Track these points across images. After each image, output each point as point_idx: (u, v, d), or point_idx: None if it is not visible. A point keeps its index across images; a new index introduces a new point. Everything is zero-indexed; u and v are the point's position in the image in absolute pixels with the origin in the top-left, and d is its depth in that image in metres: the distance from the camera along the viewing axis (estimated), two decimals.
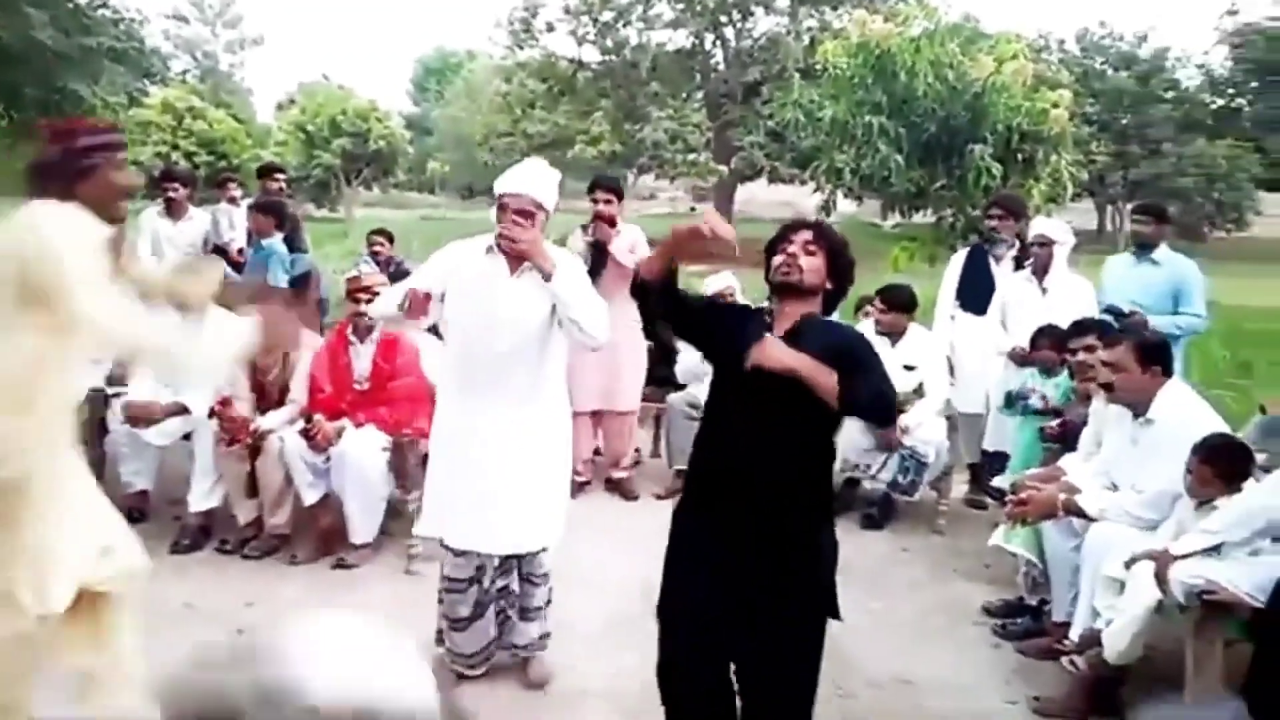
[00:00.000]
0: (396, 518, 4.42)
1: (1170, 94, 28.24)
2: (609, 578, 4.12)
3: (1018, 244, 5.18)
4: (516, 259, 3.04)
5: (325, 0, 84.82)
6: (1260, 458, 3.41)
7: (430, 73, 48.97)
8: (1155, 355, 3.40)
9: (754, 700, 2.38)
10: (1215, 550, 2.92)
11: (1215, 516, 2.95)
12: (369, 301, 4.24)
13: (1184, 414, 3.35)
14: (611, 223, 5.07)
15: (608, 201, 5.09)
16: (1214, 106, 29.00)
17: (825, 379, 2.13)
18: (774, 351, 2.14)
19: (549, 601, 3.32)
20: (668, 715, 2.50)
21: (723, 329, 2.42)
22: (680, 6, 24.88)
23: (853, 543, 4.33)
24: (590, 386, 4.98)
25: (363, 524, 4.24)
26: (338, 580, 4.12)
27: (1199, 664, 2.94)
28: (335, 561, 4.24)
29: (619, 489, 5.35)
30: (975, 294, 5.18)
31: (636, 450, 5.75)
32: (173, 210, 6.49)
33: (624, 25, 25.56)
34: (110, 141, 2.44)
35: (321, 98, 31.25)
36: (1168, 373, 3.43)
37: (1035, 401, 4.44)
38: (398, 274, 6.39)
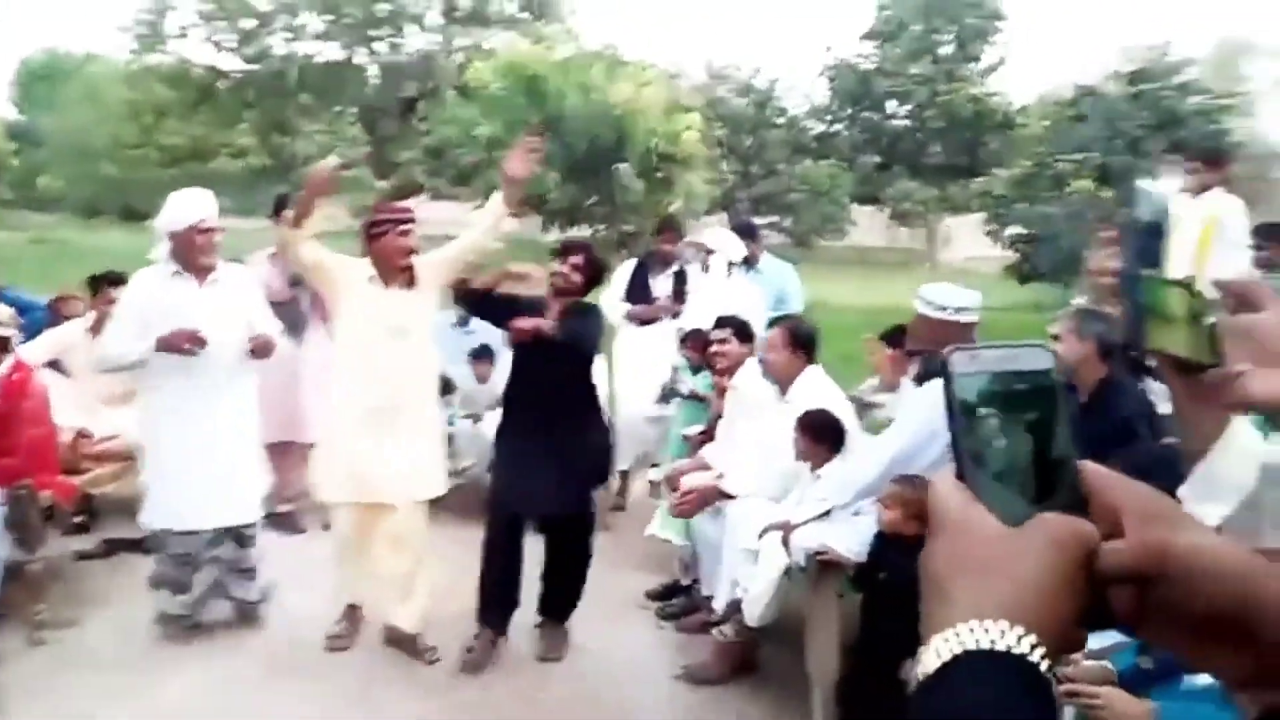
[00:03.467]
0: (17, 582, 3.90)
1: (781, 120, 31.84)
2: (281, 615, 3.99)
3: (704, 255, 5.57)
4: (203, 273, 3.72)
5: None
6: None
7: (38, 77, 42.80)
8: (801, 341, 3.81)
9: (555, 533, 3.83)
10: (826, 515, 3.40)
11: (820, 485, 3.44)
12: None
13: (817, 396, 3.73)
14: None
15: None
16: (816, 131, 33.14)
17: (549, 327, 3.50)
18: (520, 325, 3.50)
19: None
20: (487, 565, 3.75)
21: (519, 314, 3.58)
22: (329, 19, 23.98)
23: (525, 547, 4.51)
24: (271, 418, 4.74)
25: None
26: None
27: (817, 617, 3.38)
28: None
29: (284, 524, 5.11)
30: (637, 304, 5.66)
31: None
32: None
33: (267, 34, 24.14)
34: None
35: None
36: (810, 360, 3.83)
37: (683, 389, 4.88)
38: (19, 307, 5.61)
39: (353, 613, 3.91)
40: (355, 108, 25.96)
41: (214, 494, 3.74)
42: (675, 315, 5.53)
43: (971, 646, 0.47)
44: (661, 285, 5.69)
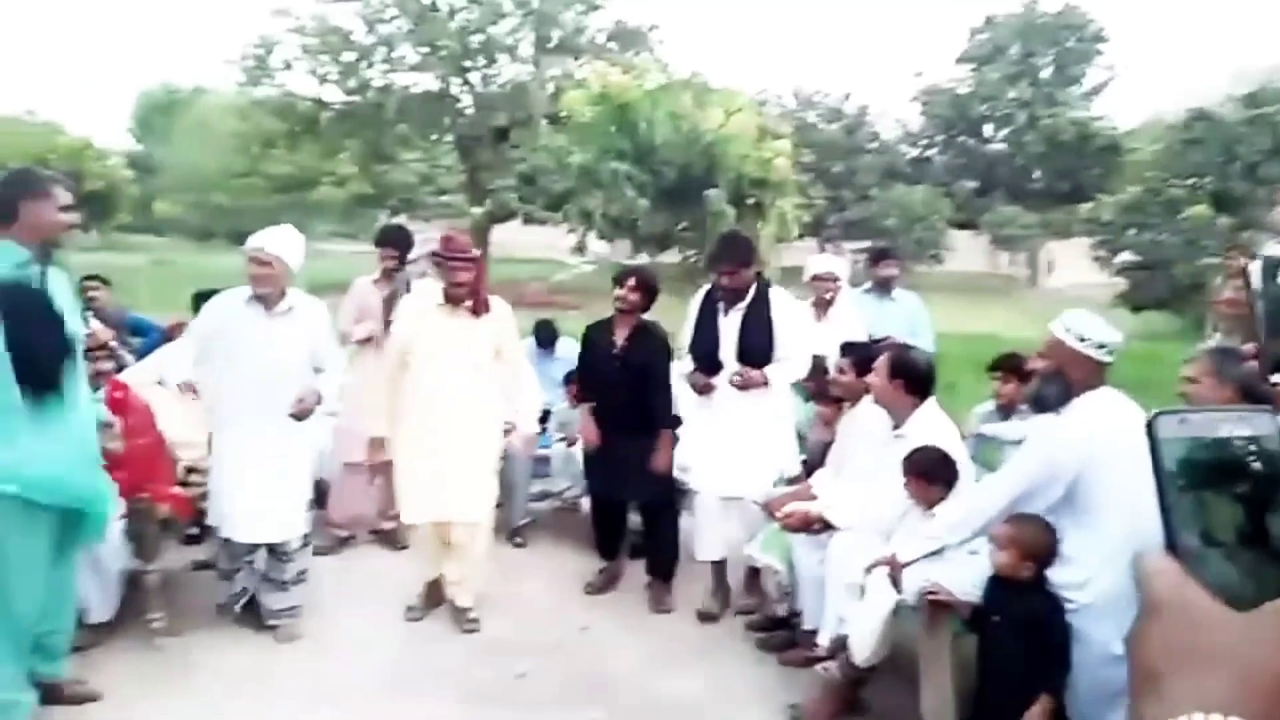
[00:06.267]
0: (134, 589, 4.03)
1: (873, 145, 31.52)
2: (379, 635, 4.03)
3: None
4: (270, 301, 3.92)
5: (28, 30, 75.95)
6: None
7: (155, 109, 45.23)
8: (906, 375, 3.64)
9: (647, 512, 4.67)
10: (939, 553, 3.27)
11: (934, 522, 3.30)
12: (105, 358, 4.08)
13: (930, 433, 3.57)
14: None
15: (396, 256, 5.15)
16: (910, 156, 32.70)
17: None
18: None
19: (301, 580, 4.12)
20: (597, 526, 4.83)
21: (593, 348, 4.60)
22: (424, 50, 24.70)
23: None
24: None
25: (99, 602, 3.82)
26: (72, 665, 3.67)
27: (930, 659, 3.24)
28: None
29: (388, 539, 5.19)
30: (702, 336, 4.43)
31: None
32: None
33: (367, 66, 25.00)
34: None
35: (22, 134, 28.12)
36: (918, 392, 3.65)
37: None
38: (138, 328, 5.86)
39: (432, 589, 4.33)
40: (451, 136, 26.65)
41: (255, 512, 3.95)
42: (759, 384, 4.29)
43: None
44: (729, 325, 4.33)
